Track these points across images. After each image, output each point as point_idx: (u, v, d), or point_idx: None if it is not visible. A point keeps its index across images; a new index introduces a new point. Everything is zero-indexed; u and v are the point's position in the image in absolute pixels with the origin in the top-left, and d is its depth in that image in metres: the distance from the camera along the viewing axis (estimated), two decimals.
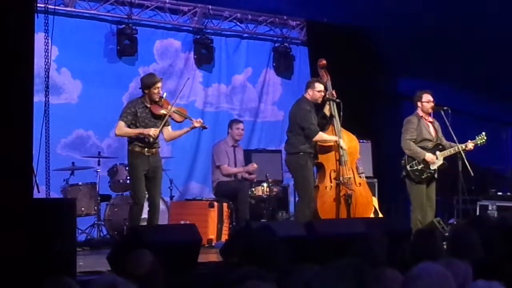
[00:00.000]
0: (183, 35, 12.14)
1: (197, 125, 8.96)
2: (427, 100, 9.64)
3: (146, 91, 8.76)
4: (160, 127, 8.71)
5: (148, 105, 8.75)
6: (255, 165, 10.77)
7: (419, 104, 9.68)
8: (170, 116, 8.86)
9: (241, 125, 10.98)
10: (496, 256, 4.63)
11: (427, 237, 4.86)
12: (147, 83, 8.79)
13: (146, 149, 8.70)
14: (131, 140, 8.76)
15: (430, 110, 9.70)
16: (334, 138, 9.65)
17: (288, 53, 13.00)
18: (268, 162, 11.55)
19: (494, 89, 12.11)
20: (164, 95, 8.91)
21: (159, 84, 8.76)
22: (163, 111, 8.76)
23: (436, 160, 9.52)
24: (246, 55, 12.76)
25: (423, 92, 9.73)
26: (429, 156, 9.49)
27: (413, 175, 9.52)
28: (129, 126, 8.70)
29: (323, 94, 9.65)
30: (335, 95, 9.78)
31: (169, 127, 9.03)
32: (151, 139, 8.66)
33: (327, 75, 9.85)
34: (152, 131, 8.60)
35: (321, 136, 9.53)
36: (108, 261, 6.57)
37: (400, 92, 13.11)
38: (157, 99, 8.73)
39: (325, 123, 9.78)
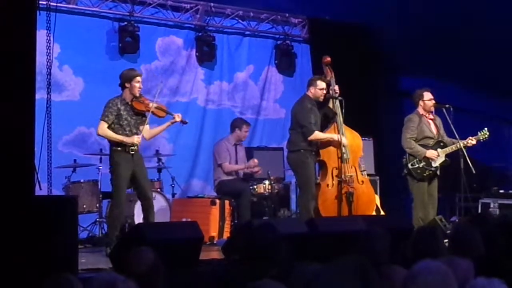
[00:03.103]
0: (185, 33, 12.13)
1: (177, 119, 8.81)
2: (428, 98, 9.65)
3: (127, 85, 8.62)
4: (143, 128, 8.62)
5: (129, 102, 8.62)
6: (255, 160, 10.77)
7: (421, 102, 9.68)
8: (152, 112, 8.71)
9: (249, 127, 11.01)
10: (498, 254, 4.63)
11: (428, 234, 4.85)
12: (129, 76, 8.66)
13: (130, 147, 8.52)
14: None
15: (432, 108, 9.71)
16: (331, 135, 9.63)
17: (290, 50, 13.00)
18: (270, 159, 11.54)
19: (497, 86, 12.09)
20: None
21: (139, 78, 8.65)
22: (144, 107, 8.65)
23: (438, 157, 9.53)
24: (248, 53, 12.75)
25: (423, 90, 9.73)
26: (430, 152, 9.49)
27: (414, 173, 9.53)
28: (110, 125, 8.53)
29: (325, 92, 9.65)
30: (338, 92, 9.78)
31: (147, 126, 8.83)
32: (135, 146, 8.55)
33: (331, 72, 9.85)
34: (136, 139, 8.48)
35: (316, 135, 9.50)
36: (110, 258, 6.58)
37: (402, 89, 13.10)
38: (138, 94, 8.62)
39: (329, 120, 9.78)
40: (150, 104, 8.70)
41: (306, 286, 3.34)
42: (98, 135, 8.76)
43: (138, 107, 8.64)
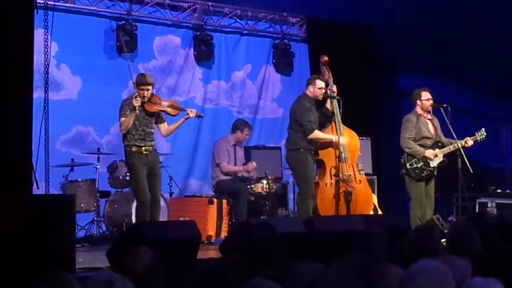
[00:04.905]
0: (183, 32, 12.12)
1: (191, 115, 8.91)
2: (426, 98, 9.64)
3: (136, 90, 8.75)
4: (160, 126, 8.77)
5: (143, 103, 8.70)
6: (254, 164, 10.77)
7: (418, 102, 9.67)
8: (165, 111, 8.83)
9: (250, 131, 11.02)
10: (495, 253, 4.63)
11: (426, 234, 4.86)
12: (137, 81, 8.79)
13: (143, 148, 8.66)
14: (128, 139, 8.68)
15: (430, 108, 9.69)
16: (330, 137, 9.63)
17: (288, 50, 13.00)
18: (267, 159, 11.54)
19: (494, 86, 12.10)
20: (153, 91, 8.88)
21: (147, 87, 8.70)
22: (157, 108, 8.74)
23: (436, 157, 9.53)
24: (245, 52, 12.75)
25: (421, 90, 9.72)
26: (429, 152, 9.49)
27: (412, 173, 9.52)
28: None
29: (323, 91, 9.66)
30: (335, 91, 9.78)
31: (165, 123, 8.98)
32: (152, 124, 8.71)
33: (329, 71, 9.85)
34: (134, 102, 8.53)
35: (316, 134, 9.51)
36: (107, 257, 6.57)
37: (400, 89, 13.10)
38: (145, 99, 8.68)
39: (327, 120, 9.79)
40: (163, 103, 8.81)
41: (309, 284, 3.34)
42: (123, 130, 8.74)
43: (150, 109, 8.73)
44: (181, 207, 10.59)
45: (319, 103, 9.75)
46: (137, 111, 8.62)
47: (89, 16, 11.15)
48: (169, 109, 8.87)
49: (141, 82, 8.78)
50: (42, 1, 7.66)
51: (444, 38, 11.65)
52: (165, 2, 11.71)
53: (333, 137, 9.63)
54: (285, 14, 12.89)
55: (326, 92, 9.73)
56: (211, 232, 10.14)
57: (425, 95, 9.66)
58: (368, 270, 3.08)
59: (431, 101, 9.66)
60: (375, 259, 3.67)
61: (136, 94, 8.71)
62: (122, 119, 8.67)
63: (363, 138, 11.23)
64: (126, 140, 8.72)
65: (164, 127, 8.97)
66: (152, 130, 8.81)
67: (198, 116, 9.15)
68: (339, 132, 9.66)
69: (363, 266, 3.07)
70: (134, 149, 8.66)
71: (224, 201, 10.36)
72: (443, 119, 9.61)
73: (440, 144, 9.64)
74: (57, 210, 6.09)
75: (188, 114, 8.93)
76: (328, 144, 9.66)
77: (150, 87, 8.76)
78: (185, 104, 11.71)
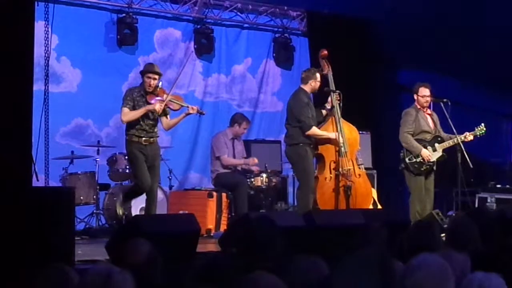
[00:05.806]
0: (184, 25, 12.11)
1: (192, 111, 8.96)
2: (422, 95, 9.60)
3: (142, 79, 8.85)
4: (163, 106, 8.73)
5: (145, 95, 8.77)
6: (256, 160, 10.75)
7: (415, 97, 9.67)
8: (166, 105, 8.84)
9: (249, 125, 11.02)
10: (495, 248, 4.63)
11: (425, 228, 4.86)
12: (143, 70, 8.94)
13: (143, 138, 8.71)
14: (129, 129, 8.75)
15: (425, 105, 9.67)
16: (328, 134, 9.63)
17: (288, 43, 12.98)
18: (267, 152, 11.54)
19: (494, 81, 12.09)
20: (160, 84, 8.92)
21: (154, 75, 8.76)
22: (159, 102, 8.78)
23: (433, 154, 9.52)
24: (246, 46, 12.74)
25: (421, 85, 9.69)
26: (425, 152, 9.46)
27: (411, 167, 9.51)
28: None
29: (320, 83, 9.71)
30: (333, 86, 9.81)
31: (168, 116, 9.03)
32: (155, 114, 8.74)
33: (328, 65, 9.86)
34: (157, 106, 8.65)
35: (314, 131, 9.51)
36: (106, 250, 6.57)
37: (400, 83, 13.09)
38: (148, 89, 8.75)
39: (327, 115, 9.80)
40: (165, 96, 8.80)
41: (323, 282, 3.33)
42: (125, 121, 8.80)
43: (152, 101, 8.77)
44: (181, 200, 10.59)
45: (318, 99, 9.76)
46: (150, 115, 8.72)
47: (89, 8, 11.13)
48: (171, 103, 8.89)
49: (148, 69, 8.87)
50: None
51: (444, 32, 11.63)
52: None
53: (331, 135, 9.63)
54: (285, 8, 12.86)
55: (327, 86, 9.75)
56: (211, 225, 10.14)
57: (423, 91, 9.62)
58: (385, 263, 3.05)
59: (427, 99, 9.63)
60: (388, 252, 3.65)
61: (141, 88, 8.79)
62: (126, 110, 8.71)
63: (363, 132, 11.22)
64: (127, 129, 8.78)
65: (166, 120, 9.01)
66: (155, 122, 8.84)
67: (200, 113, 9.23)
68: (339, 126, 9.65)
69: (380, 259, 3.04)
70: (133, 139, 8.73)
71: (224, 194, 10.36)
72: (443, 113, 9.60)
73: (439, 139, 9.64)
74: (56, 202, 6.09)
75: (189, 110, 8.96)
76: (327, 141, 9.67)
77: (157, 76, 8.81)
78: (185, 97, 11.72)
